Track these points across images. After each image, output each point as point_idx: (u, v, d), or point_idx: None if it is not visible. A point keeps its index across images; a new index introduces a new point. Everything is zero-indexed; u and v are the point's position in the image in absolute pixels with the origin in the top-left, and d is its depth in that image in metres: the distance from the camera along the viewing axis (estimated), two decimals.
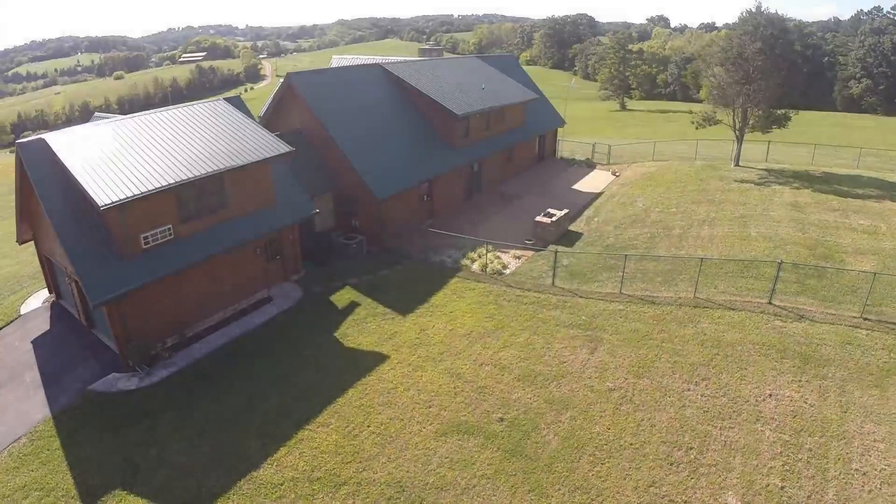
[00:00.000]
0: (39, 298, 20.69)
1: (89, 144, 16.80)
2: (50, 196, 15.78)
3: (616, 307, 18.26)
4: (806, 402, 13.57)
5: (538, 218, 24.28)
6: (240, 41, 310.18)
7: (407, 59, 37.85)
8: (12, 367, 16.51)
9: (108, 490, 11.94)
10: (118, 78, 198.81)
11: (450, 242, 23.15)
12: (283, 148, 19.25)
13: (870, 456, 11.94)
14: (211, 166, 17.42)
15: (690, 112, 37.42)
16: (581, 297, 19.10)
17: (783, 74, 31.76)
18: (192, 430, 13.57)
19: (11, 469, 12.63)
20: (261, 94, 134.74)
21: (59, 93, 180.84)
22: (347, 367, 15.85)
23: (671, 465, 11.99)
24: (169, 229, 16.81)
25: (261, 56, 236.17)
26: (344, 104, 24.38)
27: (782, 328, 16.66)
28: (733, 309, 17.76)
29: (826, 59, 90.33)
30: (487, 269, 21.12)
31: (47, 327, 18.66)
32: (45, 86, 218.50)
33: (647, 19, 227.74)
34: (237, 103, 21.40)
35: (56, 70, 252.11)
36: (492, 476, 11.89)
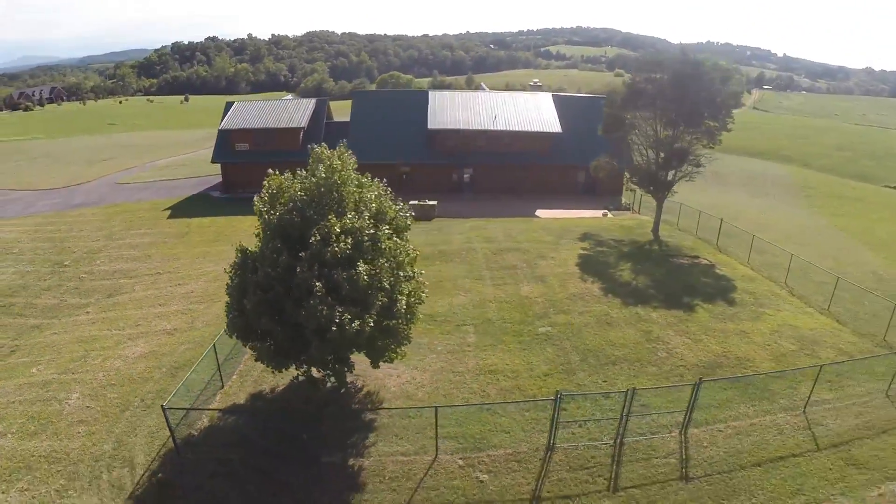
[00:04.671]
0: None
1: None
2: None
3: None
4: None
5: (411, 201, 36.76)
6: (769, 67, 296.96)
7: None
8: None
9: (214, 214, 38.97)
10: (618, 75, 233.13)
11: None
12: (301, 123, 41.07)
13: None
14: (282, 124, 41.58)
15: None
16: None
17: None
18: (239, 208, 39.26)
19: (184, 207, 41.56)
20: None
21: (566, 75, 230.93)
22: None
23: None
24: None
25: (765, 87, 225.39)
26: (376, 112, 42.63)
27: None
28: None
29: None
30: None
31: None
32: (565, 67, 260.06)
33: None
34: (320, 103, 44.16)
35: (581, 56, 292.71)
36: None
